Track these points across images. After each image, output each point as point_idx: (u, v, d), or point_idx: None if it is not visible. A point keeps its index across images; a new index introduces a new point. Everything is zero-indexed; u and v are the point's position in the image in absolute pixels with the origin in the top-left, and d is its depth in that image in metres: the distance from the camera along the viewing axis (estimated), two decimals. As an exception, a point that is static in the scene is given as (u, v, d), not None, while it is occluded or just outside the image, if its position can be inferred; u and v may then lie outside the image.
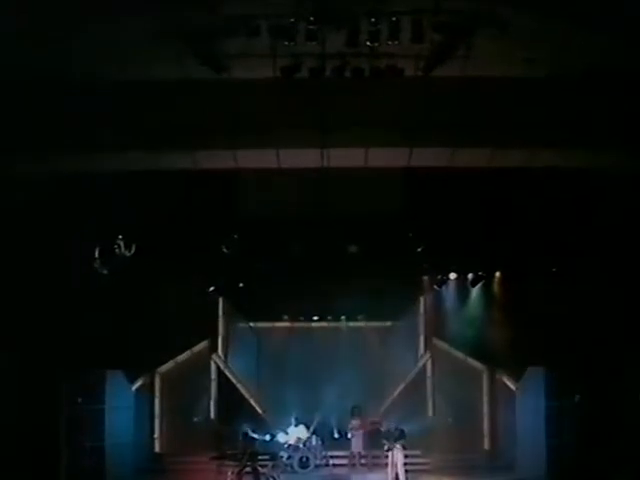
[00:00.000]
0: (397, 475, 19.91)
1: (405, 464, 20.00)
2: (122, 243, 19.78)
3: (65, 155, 17.06)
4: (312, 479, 21.91)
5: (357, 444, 22.94)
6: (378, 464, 22.07)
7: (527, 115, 16.13)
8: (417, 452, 22.16)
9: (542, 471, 19.80)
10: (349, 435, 23.08)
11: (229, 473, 20.05)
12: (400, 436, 20.03)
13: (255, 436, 20.39)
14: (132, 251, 19.89)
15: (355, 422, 23.10)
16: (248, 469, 19.86)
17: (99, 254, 19.65)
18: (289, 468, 22.06)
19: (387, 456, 20.22)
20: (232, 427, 21.45)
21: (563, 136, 16.50)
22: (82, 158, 17.17)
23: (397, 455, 19.91)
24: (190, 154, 17.49)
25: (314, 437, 22.71)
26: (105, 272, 19.74)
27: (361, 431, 23.02)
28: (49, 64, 14.95)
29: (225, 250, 20.54)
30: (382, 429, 21.58)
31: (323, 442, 22.89)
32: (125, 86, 15.68)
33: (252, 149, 17.32)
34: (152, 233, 19.97)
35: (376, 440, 21.69)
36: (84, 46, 14.47)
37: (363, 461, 22.94)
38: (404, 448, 19.93)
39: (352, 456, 22.94)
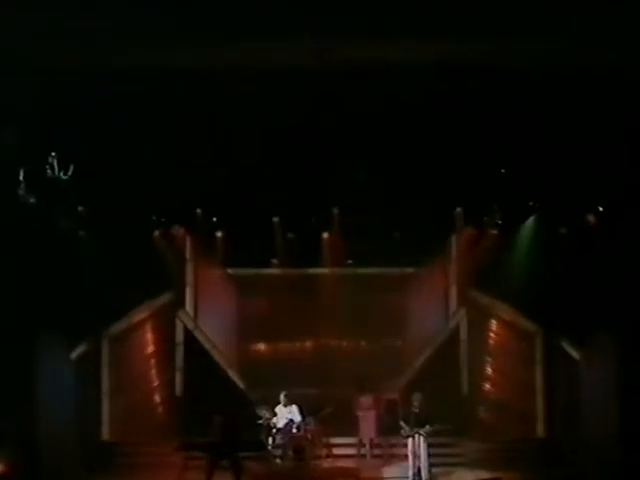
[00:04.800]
0: (419, 469, 19.89)
1: (430, 455, 20.00)
2: (56, 162, 19.53)
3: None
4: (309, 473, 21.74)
5: (368, 429, 22.82)
6: (395, 455, 22.16)
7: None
8: (447, 440, 22.05)
9: (614, 464, 19.62)
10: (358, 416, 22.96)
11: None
12: (424, 419, 20.00)
13: (234, 418, 20.28)
14: (69, 173, 19.63)
15: (365, 400, 22.97)
16: (225, 462, 19.67)
17: (24, 177, 19.42)
18: (279, 460, 21.97)
19: (408, 444, 20.11)
20: (204, 407, 21.23)
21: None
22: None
23: (420, 443, 19.88)
24: (155, 47, 17.53)
25: (311, 419, 22.44)
26: (32, 201, 19.73)
27: (373, 412, 22.92)
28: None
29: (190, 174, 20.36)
30: (401, 409, 21.43)
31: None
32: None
33: (232, 41, 17.42)
34: (97, 149, 19.69)
35: (393, 424, 21.38)
36: None
37: (376, 451, 22.86)
38: (429, 434, 19.88)
39: (361, 444, 22.87)
